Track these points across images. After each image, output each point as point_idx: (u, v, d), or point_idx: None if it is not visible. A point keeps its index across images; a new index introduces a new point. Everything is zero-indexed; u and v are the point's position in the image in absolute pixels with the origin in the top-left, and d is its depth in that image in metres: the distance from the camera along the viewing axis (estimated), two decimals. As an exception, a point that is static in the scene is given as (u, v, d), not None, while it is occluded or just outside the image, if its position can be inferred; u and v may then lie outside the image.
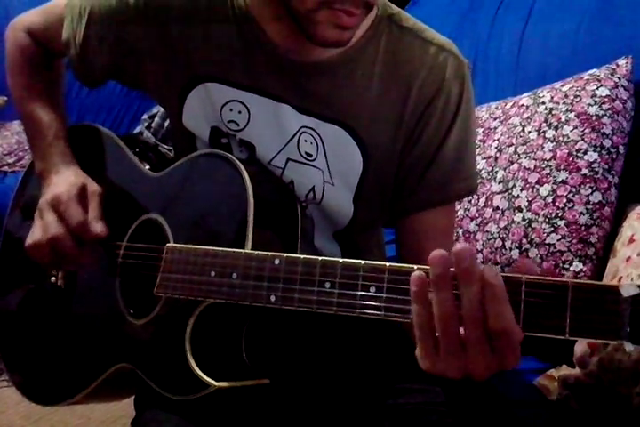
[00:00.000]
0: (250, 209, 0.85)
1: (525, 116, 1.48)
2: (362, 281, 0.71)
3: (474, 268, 0.62)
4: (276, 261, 0.78)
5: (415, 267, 0.67)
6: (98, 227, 0.99)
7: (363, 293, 0.71)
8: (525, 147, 1.42)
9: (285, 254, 0.78)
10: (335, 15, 0.84)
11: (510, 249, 1.38)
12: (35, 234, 1.01)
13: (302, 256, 0.76)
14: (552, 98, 1.43)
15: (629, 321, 0.58)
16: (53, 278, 1.08)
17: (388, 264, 0.70)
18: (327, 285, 0.73)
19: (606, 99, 1.34)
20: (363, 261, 0.71)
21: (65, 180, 1.03)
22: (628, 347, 0.58)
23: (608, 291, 0.59)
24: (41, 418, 1.71)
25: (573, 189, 1.31)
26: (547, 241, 1.32)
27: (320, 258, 0.75)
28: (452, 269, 0.63)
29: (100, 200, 1.02)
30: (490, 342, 0.63)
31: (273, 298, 0.77)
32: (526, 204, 1.37)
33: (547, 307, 0.61)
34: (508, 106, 1.57)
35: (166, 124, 2.74)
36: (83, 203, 1.01)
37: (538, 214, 1.34)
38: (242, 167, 0.89)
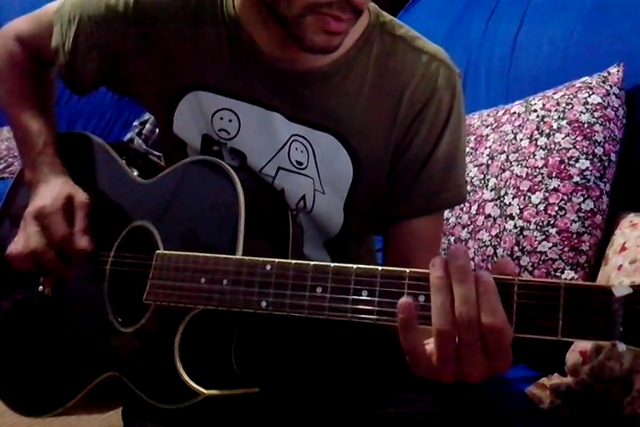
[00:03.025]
0: (241, 216, 0.85)
1: (517, 123, 1.48)
2: (354, 285, 0.71)
3: (468, 266, 0.63)
4: (268, 267, 0.77)
5: (407, 271, 0.68)
6: (82, 241, 0.99)
7: (355, 297, 0.70)
8: (517, 154, 1.42)
9: (277, 260, 0.77)
10: (323, 20, 0.84)
11: (502, 257, 1.37)
12: (17, 245, 1.01)
13: (294, 261, 0.76)
14: (544, 105, 1.43)
15: (622, 321, 0.58)
16: (41, 287, 1.07)
17: (380, 268, 0.70)
18: (319, 289, 0.73)
19: (598, 106, 1.34)
20: (355, 266, 0.71)
21: (52, 190, 1.02)
22: (621, 347, 0.58)
23: (600, 291, 0.60)
24: (28, 428, 1.69)
25: (565, 197, 1.31)
26: (538, 249, 1.31)
27: (312, 263, 0.74)
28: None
29: (87, 212, 1.01)
30: (483, 344, 0.63)
31: (264, 304, 0.77)
32: (518, 211, 1.36)
33: (539, 308, 0.62)
34: (500, 113, 1.57)
35: (157, 130, 2.73)
36: (68, 215, 1.00)
37: (529, 222, 1.34)
38: (233, 174, 0.88)
